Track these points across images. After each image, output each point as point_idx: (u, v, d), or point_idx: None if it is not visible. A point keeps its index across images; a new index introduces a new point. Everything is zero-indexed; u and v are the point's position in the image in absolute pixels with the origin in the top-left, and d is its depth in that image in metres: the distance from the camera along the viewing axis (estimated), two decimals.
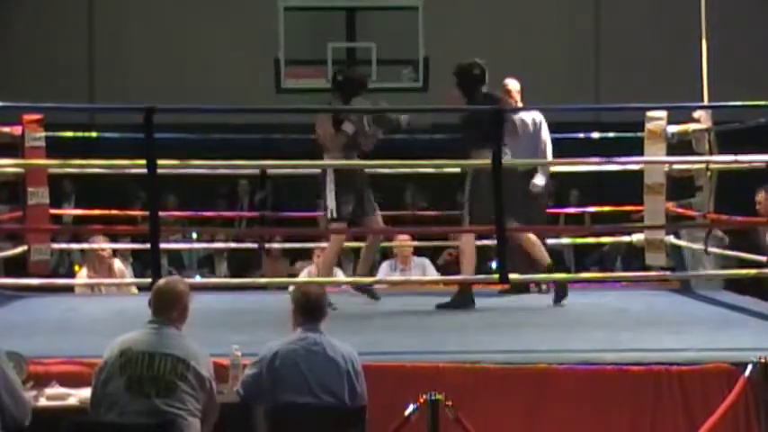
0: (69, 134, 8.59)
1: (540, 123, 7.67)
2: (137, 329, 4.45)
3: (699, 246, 7.67)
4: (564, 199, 12.69)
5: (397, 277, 8.31)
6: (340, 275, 8.91)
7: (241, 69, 13.38)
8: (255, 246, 9.68)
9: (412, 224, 10.93)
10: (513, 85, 7.73)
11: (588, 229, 10.60)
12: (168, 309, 4.45)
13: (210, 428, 4.43)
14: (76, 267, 10.44)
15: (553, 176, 12.27)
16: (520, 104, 7.70)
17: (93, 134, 9.88)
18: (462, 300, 6.95)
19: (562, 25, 14.19)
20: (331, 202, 6.99)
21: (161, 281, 4.65)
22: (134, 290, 8.35)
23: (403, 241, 8.53)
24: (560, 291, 7.13)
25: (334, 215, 6.99)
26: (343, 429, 4.44)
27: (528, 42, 14.00)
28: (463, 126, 7.03)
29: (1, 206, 10.61)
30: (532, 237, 7.02)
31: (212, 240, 11.34)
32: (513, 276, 6.45)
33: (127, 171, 8.82)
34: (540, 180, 7.64)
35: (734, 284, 7.83)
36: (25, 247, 7.60)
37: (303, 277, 8.32)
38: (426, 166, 8.24)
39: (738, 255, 7.54)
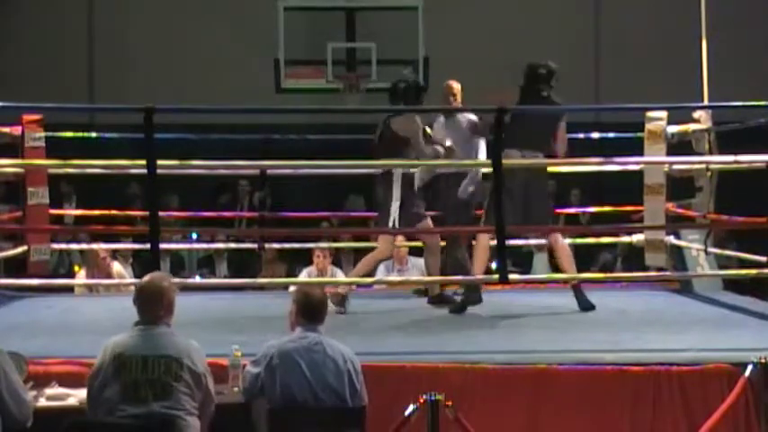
0: (69, 134, 8.58)
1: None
2: (125, 332, 4.39)
3: (698, 246, 7.67)
4: (564, 199, 12.69)
5: (394, 278, 8.31)
6: (339, 275, 8.91)
7: (241, 69, 13.38)
8: (255, 246, 9.67)
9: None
10: (456, 86, 7.66)
11: (588, 228, 10.60)
12: (154, 307, 4.40)
13: (208, 423, 4.41)
14: (76, 268, 10.45)
15: (553, 177, 12.37)
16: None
17: (93, 134, 9.87)
18: (471, 298, 6.90)
19: (562, 25, 14.18)
20: (395, 212, 6.90)
21: (143, 279, 4.57)
22: (133, 290, 8.35)
23: (399, 242, 8.52)
24: (580, 299, 7.03)
25: (396, 225, 6.91)
26: (343, 429, 4.44)
27: (528, 42, 13.97)
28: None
29: (1, 206, 10.62)
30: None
31: (212, 240, 11.34)
32: (512, 277, 6.44)
33: (127, 171, 8.84)
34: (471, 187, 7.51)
35: (734, 284, 7.83)
36: (25, 247, 7.60)
37: (303, 278, 8.32)
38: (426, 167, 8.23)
39: (738, 255, 7.54)
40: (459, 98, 7.58)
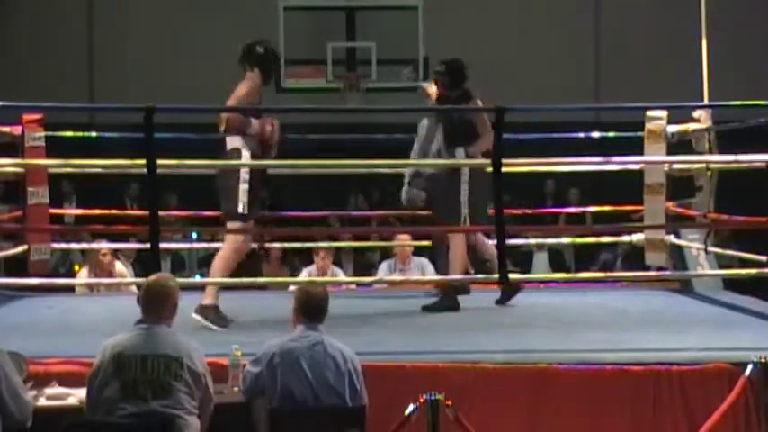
0: (69, 134, 8.58)
1: None
2: (126, 331, 4.41)
3: (698, 245, 7.67)
4: (564, 199, 12.70)
5: (396, 277, 8.31)
6: (340, 275, 8.92)
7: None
8: (255, 246, 9.66)
9: (411, 223, 10.93)
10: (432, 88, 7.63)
11: (588, 228, 10.60)
12: (159, 307, 4.41)
13: (207, 422, 4.42)
14: (76, 267, 10.44)
15: (552, 176, 12.38)
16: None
17: (93, 134, 9.86)
18: (448, 302, 6.89)
19: (562, 25, 14.19)
20: (243, 196, 6.55)
21: (150, 278, 4.59)
22: (134, 289, 8.36)
23: (402, 241, 8.53)
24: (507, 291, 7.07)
25: (245, 211, 6.51)
26: (343, 429, 4.44)
27: (528, 42, 14.02)
28: (452, 124, 7.01)
29: (1, 206, 10.62)
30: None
31: (212, 240, 11.33)
32: (512, 277, 6.44)
33: (127, 171, 8.83)
34: None
35: (734, 284, 7.83)
36: (25, 247, 7.59)
37: (303, 277, 8.33)
38: (426, 166, 8.23)
39: (738, 254, 7.53)
40: (432, 99, 7.54)
